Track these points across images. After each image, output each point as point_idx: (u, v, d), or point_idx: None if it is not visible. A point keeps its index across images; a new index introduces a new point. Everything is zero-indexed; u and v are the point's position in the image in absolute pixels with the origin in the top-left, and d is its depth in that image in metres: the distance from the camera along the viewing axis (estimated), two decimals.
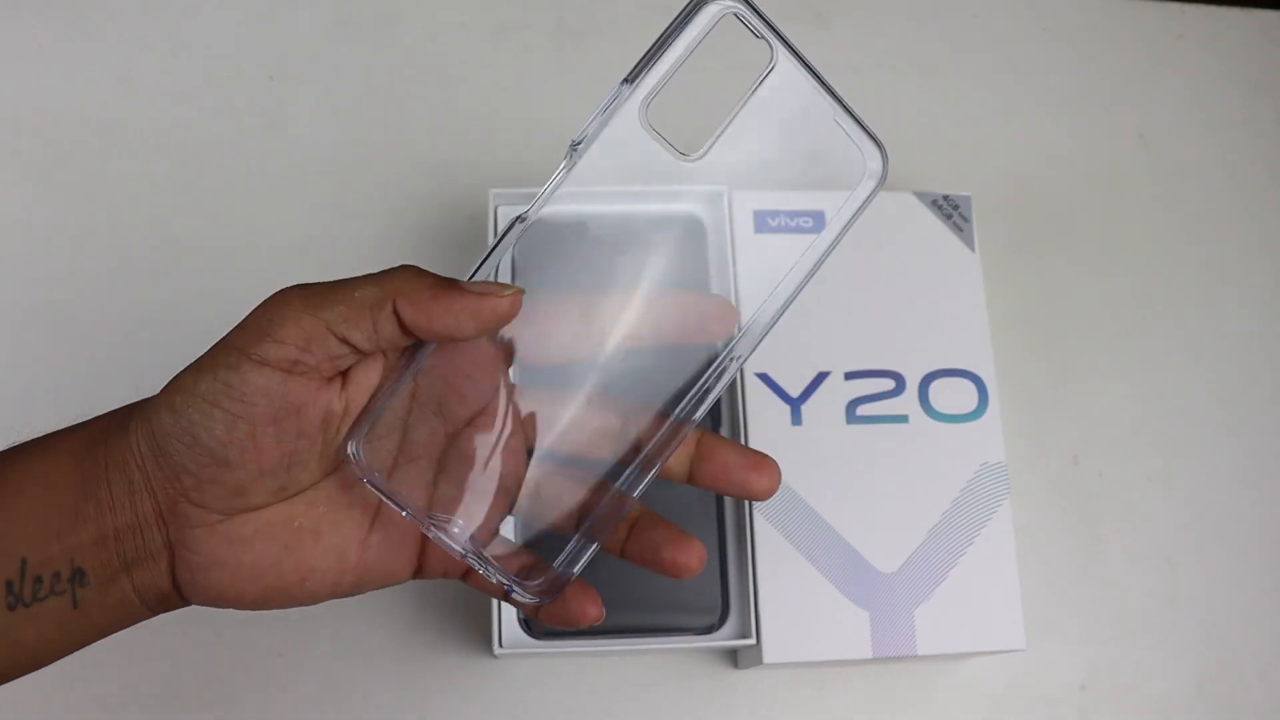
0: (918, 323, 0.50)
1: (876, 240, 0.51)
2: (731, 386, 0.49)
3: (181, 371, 0.30)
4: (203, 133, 0.58)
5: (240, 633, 0.50)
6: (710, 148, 0.31)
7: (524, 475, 0.32)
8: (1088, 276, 0.61)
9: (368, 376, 0.31)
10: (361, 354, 0.30)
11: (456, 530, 0.31)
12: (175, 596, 0.31)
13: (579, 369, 0.32)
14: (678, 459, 0.33)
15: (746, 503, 0.47)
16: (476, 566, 0.30)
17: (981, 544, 0.48)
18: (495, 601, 0.46)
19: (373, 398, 0.30)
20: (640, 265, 0.33)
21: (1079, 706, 0.53)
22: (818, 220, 0.52)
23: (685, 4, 0.30)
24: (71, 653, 0.31)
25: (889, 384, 0.50)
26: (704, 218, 0.43)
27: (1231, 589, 0.56)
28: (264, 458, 0.29)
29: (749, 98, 0.31)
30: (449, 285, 0.30)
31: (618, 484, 0.32)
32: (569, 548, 0.32)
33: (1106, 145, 0.64)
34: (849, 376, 0.50)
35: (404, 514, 0.30)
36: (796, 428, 0.49)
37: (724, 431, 0.49)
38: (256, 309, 0.29)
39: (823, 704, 0.52)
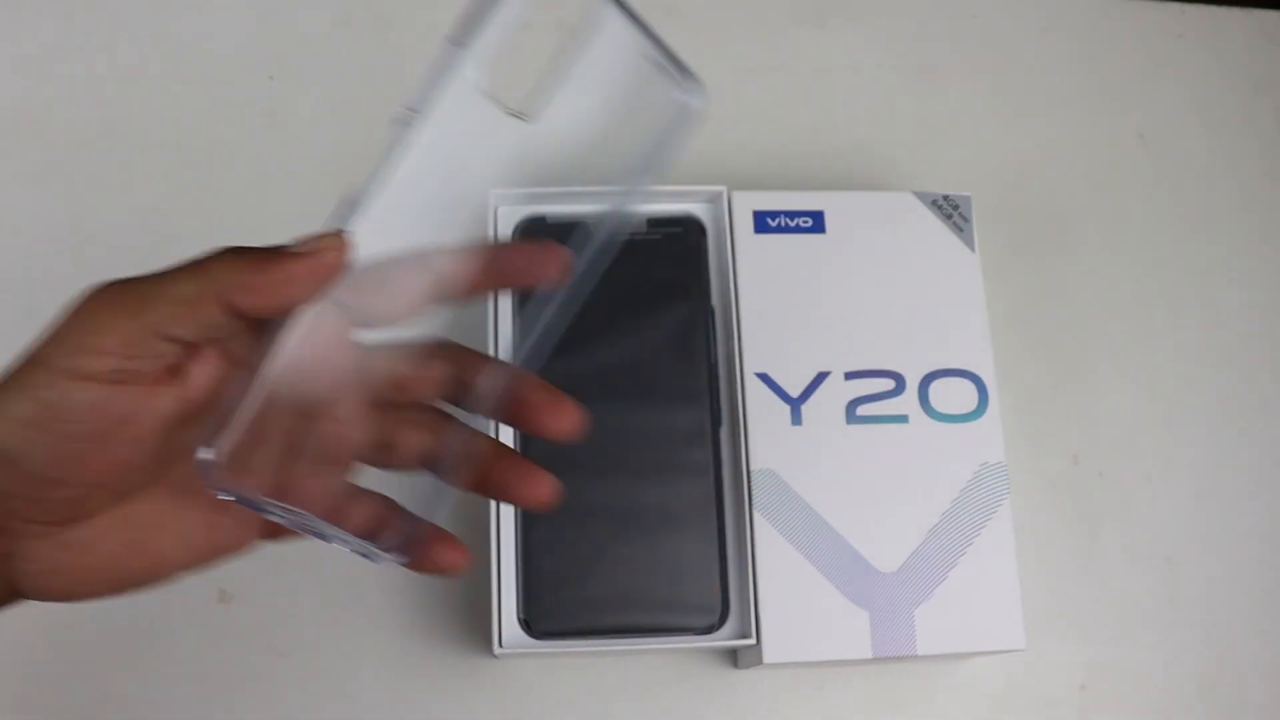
0: (918, 323, 0.50)
1: (876, 240, 0.51)
2: (731, 387, 0.49)
3: None
4: (203, 132, 0.58)
5: (240, 632, 0.50)
6: (546, 107, 0.30)
7: (366, 435, 0.30)
8: (1088, 276, 0.61)
9: (201, 369, 0.28)
10: (191, 347, 0.28)
11: (299, 516, 0.28)
12: (20, 598, 0.29)
13: (419, 324, 0.30)
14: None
15: (746, 503, 0.47)
16: (332, 543, 0.29)
17: (981, 544, 0.48)
18: (495, 602, 0.46)
19: (220, 396, 0.28)
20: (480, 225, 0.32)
21: (1079, 706, 0.53)
22: (817, 220, 0.52)
23: None
24: None
25: (889, 384, 0.50)
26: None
27: (1231, 589, 0.56)
28: (95, 472, 0.27)
29: (577, 53, 0.30)
30: (272, 256, 0.27)
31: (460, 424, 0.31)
32: (420, 496, 0.30)
33: (1106, 145, 0.64)
34: (849, 376, 0.49)
35: (269, 515, 0.28)
36: (796, 428, 0.49)
37: (724, 431, 0.49)
38: (67, 316, 0.27)
39: (823, 704, 0.52)
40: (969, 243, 0.52)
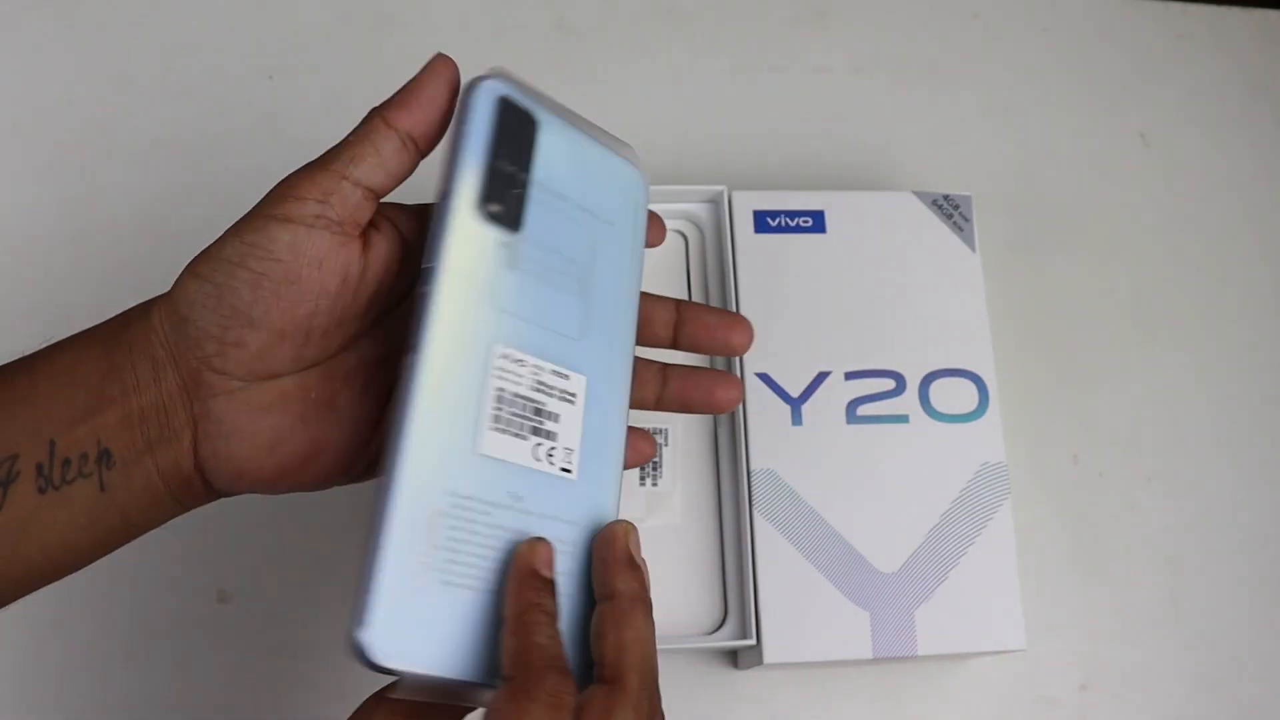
0: (918, 323, 0.50)
1: (876, 240, 0.51)
2: None
3: (204, 248, 0.31)
4: (202, 132, 0.58)
5: (240, 632, 0.50)
6: (527, 216, 0.32)
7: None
8: (1088, 276, 0.61)
9: (387, 246, 0.32)
10: (377, 198, 0.32)
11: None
12: (197, 480, 0.32)
13: None
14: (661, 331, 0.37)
15: (747, 503, 0.47)
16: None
17: (981, 544, 0.48)
18: None
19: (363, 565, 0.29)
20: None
21: (1079, 706, 0.53)
22: (817, 219, 0.52)
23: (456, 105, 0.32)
24: (101, 553, 0.32)
25: (889, 384, 0.50)
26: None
27: (1231, 589, 0.56)
28: (286, 317, 0.31)
29: (535, 161, 0.33)
30: (410, 89, 0.32)
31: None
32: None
33: (1107, 145, 0.64)
34: (849, 376, 0.49)
35: (473, 699, 0.29)
36: (796, 428, 0.49)
37: (723, 432, 0.49)
38: (271, 190, 0.31)
39: (823, 704, 0.52)
40: (969, 243, 0.52)
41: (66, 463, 0.30)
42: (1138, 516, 0.57)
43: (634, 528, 0.32)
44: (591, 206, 0.34)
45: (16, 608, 0.46)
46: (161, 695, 0.50)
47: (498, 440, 0.30)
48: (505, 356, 0.31)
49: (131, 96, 0.59)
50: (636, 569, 0.31)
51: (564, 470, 0.32)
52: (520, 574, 0.29)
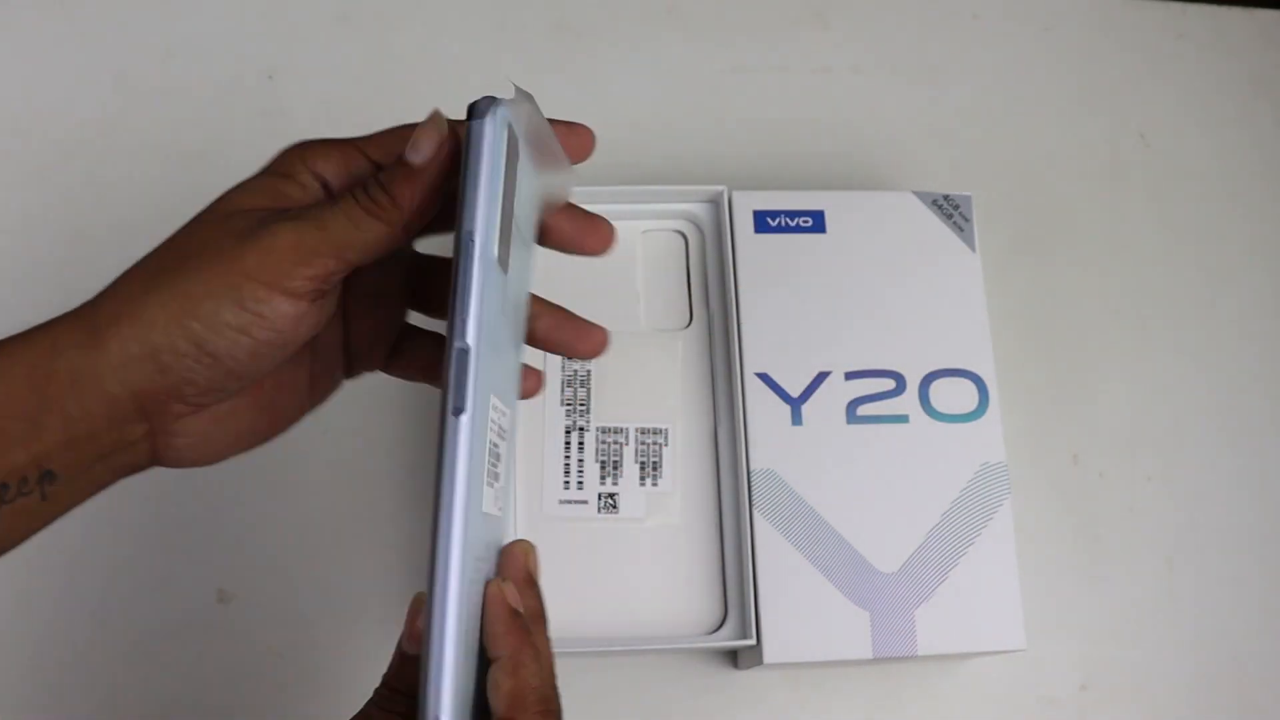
0: (918, 323, 0.50)
1: (876, 240, 0.51)
2: (731, 387, 0.49)
3: (174, 291, 0.30)
4: (202, 132, 0.58)
5: (240, 632, 0.50)
6: (511, 255, 0.31)
7: None
8: (1088, 276, 0.61)
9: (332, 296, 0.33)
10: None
11: None
12: (149, 467, 0.32)
13: None
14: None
15: (747, 503, 0.47)
16: None
17: (981, 544, 0.48)
18: None
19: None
20: None
21: (1079, 706, 0.53)
22: (817, 219, 0.52)
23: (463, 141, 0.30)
24: (30, 536, 0.31)
25: (889, 384, 0.50)
26: None
27: (1231, 589, 0.56)
28: (271, 364, 0.31)
29: (517, 191, 0.31)
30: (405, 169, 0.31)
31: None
32: None
33: (1107, 145, 0.64)
34: (849, 376, 0.49)
35: None
36: (796, 428, 0.49)
37: (723, 432, 0.49)
38: (261, 237, 0.30)
39: (823, 704, 0.52)
40: (969, 243, 0.52)
41: (4, 487, 0.29)
42: (1138, 516, 0.57)
43: (533, 547, 0.32)
44: (526, 223, 0.33)
45: (16, 607, 0.46)
46: (162, 695, 0.50)
47: (489, 494, 0.30)
48: (494, 407, 0.30)
49: (130, 96, 0.59)
50: (535, 587, 0.32)
51: (500, 510, 0.31)
52: (503, 614, 0.30)
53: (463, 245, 0.29)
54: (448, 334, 0.29)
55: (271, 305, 0.30)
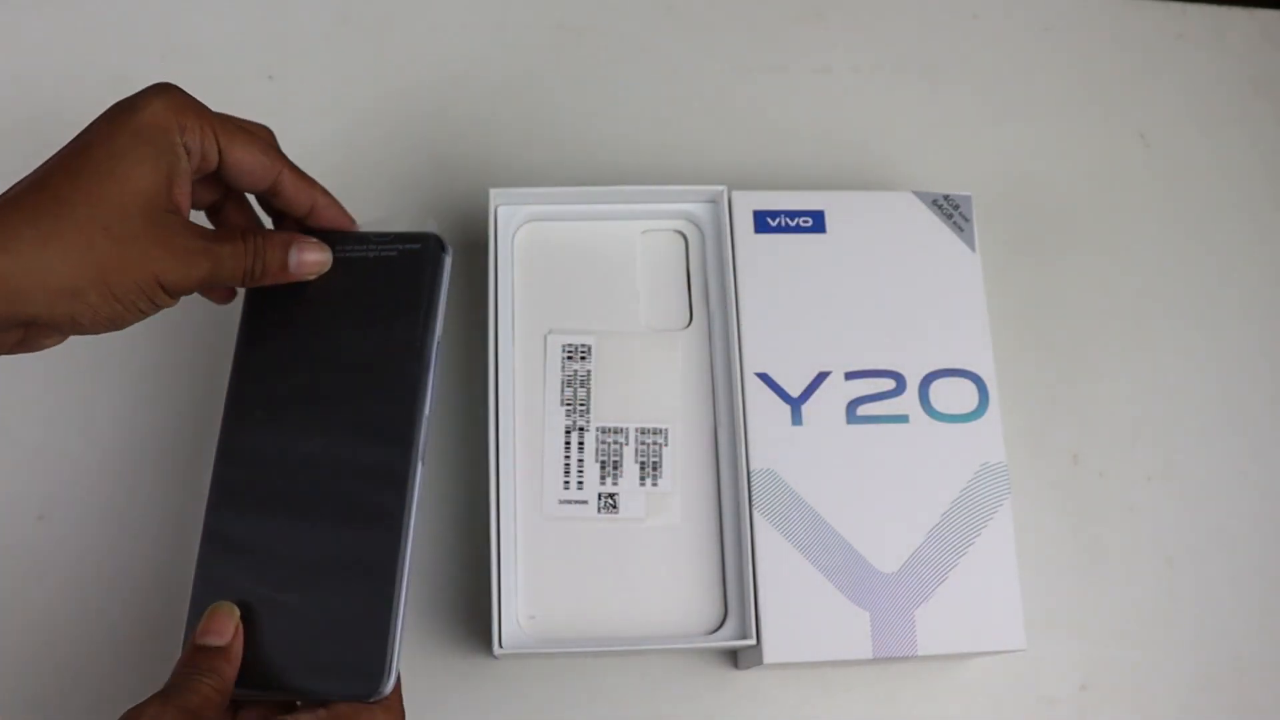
0: (918, 323, 0.50)
1: (876, 240, 0.51)
2: (731, 387, 0.49)
3: (83, 260, 0.36)
4: None
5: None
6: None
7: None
8: (1088, 276, 0.61)
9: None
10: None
11: None
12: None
13: None
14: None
15: (747, 503, 0.47)
16: None
17: (981, 544, 0.48)
18: (495, 601, 0.46)
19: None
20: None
21: (1079, 706, 0.53)
22: (817, 219, 0.52)
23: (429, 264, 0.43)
24: None
25: (889, 384, 0.50)
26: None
27: (1231, 589, 0.56)
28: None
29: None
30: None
31: None
32: None
33: (1106, 145, 0.64)
34: (849, 376, 0.49)
35: None
36: (796, 428, 0.49)
37: (723, 433, 0.49)
38: (181, 258, 0.38)
39: (823, 704, 0.52)
40: (969, 243, 0.52)
41: None
42: (1138, 516, 0.57)
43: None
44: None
45: (16, 607, 0.46)
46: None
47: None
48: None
49: None
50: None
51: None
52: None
53: (433, 353, 0.41)
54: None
55: (150, 305, 0.37)
